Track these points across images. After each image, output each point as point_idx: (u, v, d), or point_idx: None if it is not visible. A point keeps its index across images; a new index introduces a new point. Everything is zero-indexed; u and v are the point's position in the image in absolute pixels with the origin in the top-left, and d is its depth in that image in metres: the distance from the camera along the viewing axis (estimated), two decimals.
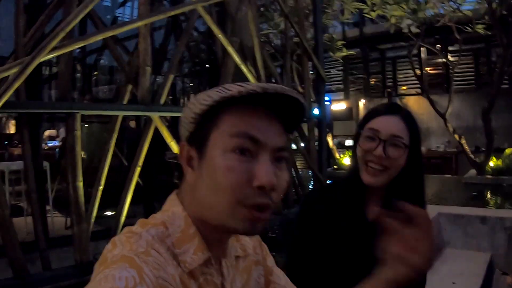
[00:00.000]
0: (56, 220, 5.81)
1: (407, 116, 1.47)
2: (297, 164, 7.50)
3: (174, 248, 0.80)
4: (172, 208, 0.85)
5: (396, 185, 1.46)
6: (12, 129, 11.46)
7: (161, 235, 0.80)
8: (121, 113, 4.51)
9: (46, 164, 5.56)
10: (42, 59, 3.48)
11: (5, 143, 9.19)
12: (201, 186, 0.81)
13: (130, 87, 4.73)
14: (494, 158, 9.77)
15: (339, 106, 15.78)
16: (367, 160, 1.44)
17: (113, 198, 4.57)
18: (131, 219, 5.60)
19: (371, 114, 1.50)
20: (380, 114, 1.47)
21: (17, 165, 5.11)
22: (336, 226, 1.48)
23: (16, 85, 3.26)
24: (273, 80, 7.47)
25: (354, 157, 1.52)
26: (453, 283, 3.78)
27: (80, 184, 3.86)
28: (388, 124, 1.44)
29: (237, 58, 5.42)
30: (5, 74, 3.31)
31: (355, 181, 1.48)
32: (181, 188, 0.88)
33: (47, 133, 10.32)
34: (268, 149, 0.80)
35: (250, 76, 5.64)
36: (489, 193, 8.42)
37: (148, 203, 6.28)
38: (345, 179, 1.57)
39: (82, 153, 7.90)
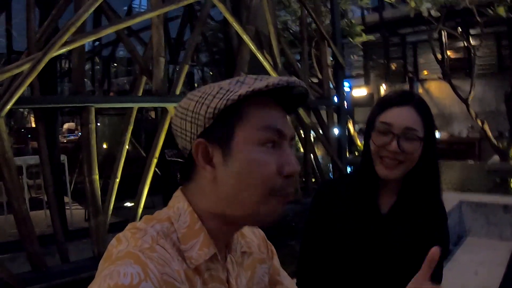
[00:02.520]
0: (76, 212, 5.89)
1: (420, 105, 1.39)
2: (318, 152, 7.45)
3: (180, 243, 0.80)
4: (177, 204, 0.85)
5: (411, 177, 1.41)
6: (33, 123, 11.63)
7: (166, 230, 0.80)
8: (135, 105, 4.52)
9: (64, 158, 5.62)
10: (54, 54, 3.49)
11: (28, 137, 9.33)
12: (226, 182, 0.80)
13: (144, 78, 4.73)
14: None
15: (360, 92, 15.68)
16: (382, 155, 1.39)
17: (132, 189, 4.60)
18: (150, 210, 5.64)
19: (382, 105, 1.44)
20: (391, 105, 1.40)
21: (36, 159, 5.18)
22: (349, 220, 1.45)
23: (29, 81, 3.28)
24: (292, 68, 7.41)
25: (366, 150, 1.47)
26: (475, 273, 3.72)
27: (96, 177, 3.88)
28: (401, 117, 1.37)
29: (252, 47, 5.36)
30: (18, 71, 3.33)
31: (369, 174, 1.44)
32: (189, 186, 0.86)
33: (66, 126, 10.43)
34: (287, 139, 0.83)
35: (266, 65, 5.58)
36: None
37: (167, 193, 6.28)
38: (357, 172, 1.53)
39: (105, 143, 8.06)
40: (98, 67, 11.21)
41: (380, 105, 1.45)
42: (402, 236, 1.41)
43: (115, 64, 12.48)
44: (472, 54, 10.38)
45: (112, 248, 0.76)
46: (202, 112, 0.80)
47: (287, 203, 0.83)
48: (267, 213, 0.80)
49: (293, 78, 0.81)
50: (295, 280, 1.57)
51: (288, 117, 0.87)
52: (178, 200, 0.85)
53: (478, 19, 9.32)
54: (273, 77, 0.79)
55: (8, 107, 3.24)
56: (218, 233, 0.84)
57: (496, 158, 9.86)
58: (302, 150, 6.75)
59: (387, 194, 1.46)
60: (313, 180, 6.85)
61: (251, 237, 1.02)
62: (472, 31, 12.55)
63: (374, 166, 1.41)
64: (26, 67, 3.32)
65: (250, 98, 0.79)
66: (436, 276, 1.50)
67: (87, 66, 10.74)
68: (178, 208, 0.84)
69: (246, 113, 0.80)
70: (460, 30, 11.97)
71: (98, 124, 8.10)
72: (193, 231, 0.81)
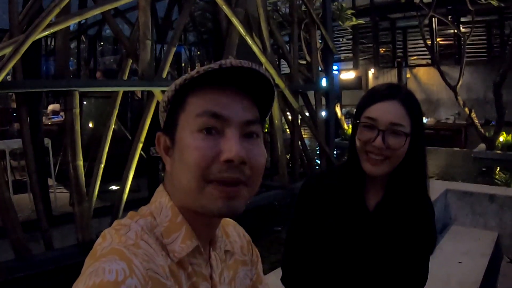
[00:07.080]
0: (60, 196, 5.81)
1: (406, 99, 1.36)
2: (304, 135, 7.43)
3: (163, 238, 0.81)
4: (159, 199, 0.86)
5: (398, 172, 1.39)
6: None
7: (149, 225, 0.81)
8: (121, 89, 4.44)
9: (48, 141, 5.53)
10: (37, 37, 3.39)
11: (13, 115, 9.13)
12: (176, 172, 0.81)
13: (130, 60, 4.63)
14: (504, 133, 9.61)
15: (348, 75, 15.62)
16: (367, 150, 1.36)
17: (117, 170, 4.55)
18: (135, 193, 5.60)
19: (367, 100, 1.41)
20: (377, 100, 1.37)
21: (20, 142, 5.09)
22: (335, 215, 1.44)
23: (11, 65, 3.19)
24: (280, 51, 7.34)
25: (352, 144, 1.44)
26: (459, 262, 3.74)
27: (80, 163, 3.81)
28: (386, 112, 1.34)
29: (241, 30, 5.28)
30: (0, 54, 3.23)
31: (355, 169, 1.42)
32: (165, 179, 0.87)
33: (50, 107, 10.28)
34: (234, 124, 0.79)
35: (255, 48, 5.51)
36: (498, 168, 8.32)
37: (152, 175, 6.23)
38: (344, 166, 1.51)
39: (91, 122, 7.95)
40: (84, 45, 10.99)
41: (366, 99, 1.42)
42: (388, 232, 1.41)
43: (102, 43, 12.25)
44: (462, 42, 10.37)
45: (96, 246, 0.76)
46: (160, 107, 0.86)
47: (237, 195, 0.79)
48: (209, 202, 0.78)
49: (229, 60, 0.77)
50: (280, 272, 1.56)
51: (246, 102, 0.82)
52: (160, 195, 0.86)
53: (470, 7, 9.30)
54: (214, 63, 0.77)
55: None
56: (199, 227, 0.84)
57: (482, 146, 9.92)
58: (289, 133, 6.72)
59: (374, 189, 1.45)
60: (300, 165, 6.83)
61: (235, 238, 1.02)
62: (463, 19, 12.51)
63: (360, 161, 1.39)
64: (7, 50, 3.22)
65: (194, 88, 0.80)
66: (422, 274, 1.49)
67: (73, 45, 10.53)
68: (159, 203, 0.84)
69: (187, 102, 0.81)
70: (451, 17, 11.95)
71: (85, 102, 7.99)
72: (175, 225, 0.82)
